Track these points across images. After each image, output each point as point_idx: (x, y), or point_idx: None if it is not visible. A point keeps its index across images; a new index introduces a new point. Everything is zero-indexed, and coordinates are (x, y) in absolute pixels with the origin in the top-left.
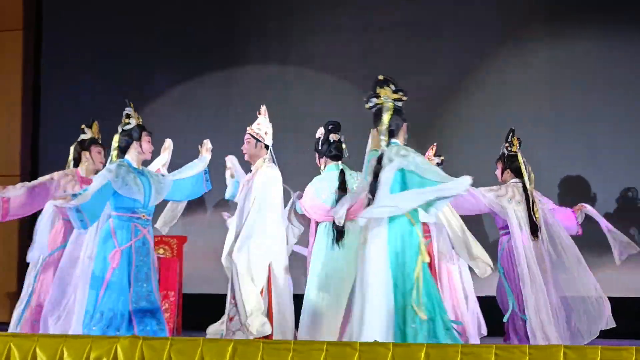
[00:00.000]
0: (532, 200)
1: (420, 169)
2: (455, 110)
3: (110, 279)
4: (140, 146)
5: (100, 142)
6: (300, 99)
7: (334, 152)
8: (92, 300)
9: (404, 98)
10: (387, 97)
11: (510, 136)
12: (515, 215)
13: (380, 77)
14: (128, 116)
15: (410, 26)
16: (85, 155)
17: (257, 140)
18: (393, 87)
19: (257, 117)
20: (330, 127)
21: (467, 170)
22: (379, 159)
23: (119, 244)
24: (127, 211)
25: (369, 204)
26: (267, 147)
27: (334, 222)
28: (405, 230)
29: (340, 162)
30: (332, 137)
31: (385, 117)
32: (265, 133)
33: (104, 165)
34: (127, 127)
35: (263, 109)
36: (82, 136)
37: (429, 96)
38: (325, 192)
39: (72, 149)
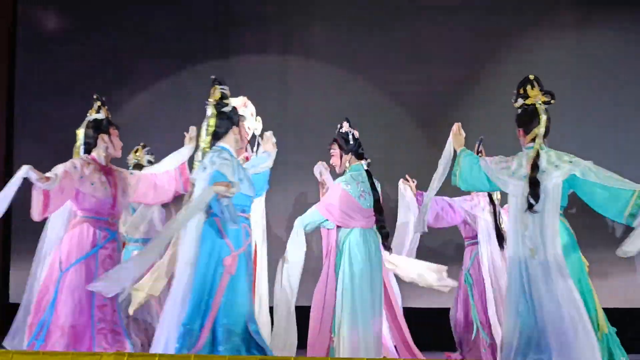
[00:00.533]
0: (498, 211)
1: (600, 177)
2: (471, 102)
3: (225, 289)
4: (240, 132)
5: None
6: (298, 91)
7: (361, 150)
8: (195, 313)
9: (552, 101)
10: (538, 98)
11: (478, 145)
12: (486, 225)
13: (531, 76)
14: (224, 96)
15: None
16: (103, 139)
17: None
18: (540, 88)
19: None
20: (350, 122)
21: None
22: (534, 164)
23: (235, 247)
24: (238, 209)
25: (530, 208)
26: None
27: (378, 226)
28: (569, 243)
29: (363, 161)
30: (356, 133)
31: (544, 119)
32: (248, 128)
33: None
34: (226, 109)
35: (241, 100)
36: (96, 116)
37: (440, 86)
38: (362, 194)
39: (81, 132)
